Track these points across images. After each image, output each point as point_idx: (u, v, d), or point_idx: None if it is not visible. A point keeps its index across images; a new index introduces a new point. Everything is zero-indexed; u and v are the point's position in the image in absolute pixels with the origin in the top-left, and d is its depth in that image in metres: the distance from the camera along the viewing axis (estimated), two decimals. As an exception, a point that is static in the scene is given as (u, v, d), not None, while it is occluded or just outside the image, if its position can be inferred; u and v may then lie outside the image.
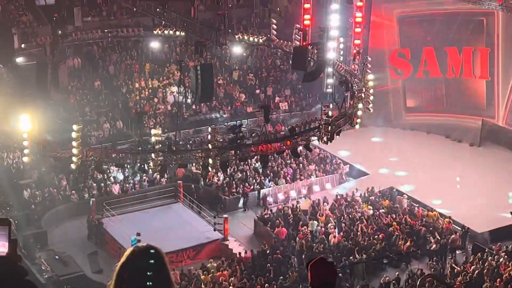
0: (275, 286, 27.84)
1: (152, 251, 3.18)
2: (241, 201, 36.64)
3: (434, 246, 31.44)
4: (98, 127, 40.59)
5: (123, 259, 3.16)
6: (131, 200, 35.60)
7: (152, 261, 3.15)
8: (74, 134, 26.12)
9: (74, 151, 26.25)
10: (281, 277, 28.57)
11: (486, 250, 30.35)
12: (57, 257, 30.91)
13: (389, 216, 34.12)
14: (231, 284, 28.06)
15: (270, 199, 37.17)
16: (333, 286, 4.89)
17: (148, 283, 3.10)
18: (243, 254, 31.13)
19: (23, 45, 35.62)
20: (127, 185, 36.57)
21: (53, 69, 32.32)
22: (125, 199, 35.56)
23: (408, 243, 31.46)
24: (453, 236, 32.18)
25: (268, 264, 29.58)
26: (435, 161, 41.27)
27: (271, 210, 35.02)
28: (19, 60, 35.26)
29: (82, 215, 34.24)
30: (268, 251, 31.03)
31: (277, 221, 33.46)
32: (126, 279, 3.11)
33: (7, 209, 33.01)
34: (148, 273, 3.11)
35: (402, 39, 46.23)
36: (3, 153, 35.94)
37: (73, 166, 27.28)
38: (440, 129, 45.56)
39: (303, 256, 30.07)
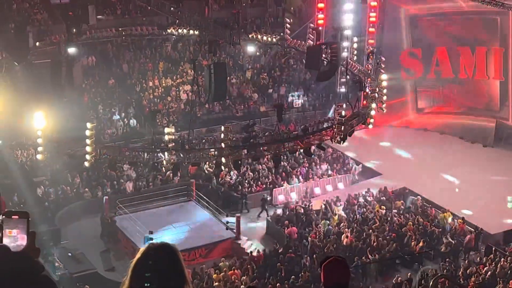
0: (287, 286, 27.83)
1: (167, 248, 3.21)
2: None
3: (445, 247, 31.33)
4: (111, 125, 40.76)
5: (138, 255, 3.19)
6: (144, 198, 35.68)
7: (167, 258, 3.17)
8: (87, 132, 26.22)
9: (88, 149, 26.35)
10: (293, 277, 28.56)
11: (498, 252, 30.22)
12: (70, 254, 31.05)
13: (401, 216, 34.04)
14: (243, 283, 28.07)
15: (282, 198, 37.18)
16: (346, 286, 4.89)
17: (163, 280, 3.12)
18: (255, 254, 31.15)
19: (37, 43, 35.77)
20: (140, 183, 36.68)
21: (67, 67, 32.41)
22: (138, 197, 35.66)
23: (420, 244, 31.37)
24: (468, 236, 32.04)
25: (279, 264, 29.58)
26: (448, 162, 41.10)
27: (282, 210, 35.02)
28: (34, 58, 35.42)
29: (95, 213, 34.37)
30: (280, 251, 31.03)
31: (286, 221, 33.46)
32: (141, 275, 3.13)
33: (20, 206, 33.17)
34: (163, 270, 3.13)
35: (414, 39, 46.08)
36: (17, 151, 36.13)
37: (86, 164, 27.39)
38: (453, 130, 45.35)
39: (315, 256, 30.05)
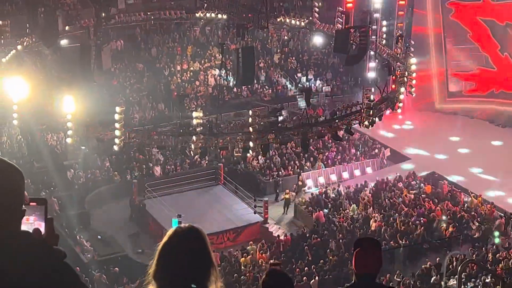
0: (314, 270, 27.87)
1: (194, 231, 3.21)
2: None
3: (476, 232, 31.13)
4: (140, 109, 40.96)
5: (165, 239, 3.20)
6: (173, 182, 35.88)
7: (194, 241, 3.18)
8: (116, 116, 26.35)
9: (117, 132, 26.50)
10: (321, 261, 28.57)
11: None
12: (99, 237, 31.38)
13: (430, 201, 33.83)
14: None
15: (310, 183, 37.16)
16: (376, 274, 4.83)
17: (190, 264, 3.14)
18: (282, 237, 31.20)
19: (67, 28, 35.93)
20: (169, 167, 36.86)
21: (97, 51, 32.59)
22: (167, 181, 35.86)
23: (450, 229, 31.18)
24: (498, 221, 31.78)
25: (306, 247, 29.60)
26: (478, 146, 40.70)
27: (311, 194, 35.00)
28: (63, 42, 35.65)
29: (124, 196, 34.64)
30: (307, 235, 31.05)
31: (310, 207, 33.46)
32: (168, 258, 3.15)
33: (51, 190, 33.56)
34: (190, 254, 3.15)
35: (445, 22, 45.57)
36: (47, 134, 36.48)
37: (115, 147, 27.56)
38: (484, 114, 44.90)
39: (341, 241, 30.01)
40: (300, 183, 35.71)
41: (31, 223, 2.94)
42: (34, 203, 2.95)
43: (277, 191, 36.05)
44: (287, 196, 34.60)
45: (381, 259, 4.83)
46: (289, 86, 45.89)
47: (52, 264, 2.80)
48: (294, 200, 34.88)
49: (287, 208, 34.65)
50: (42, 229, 2.93)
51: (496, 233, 30.88)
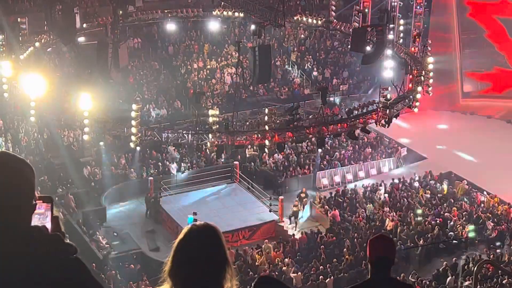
0: (329, 269, 27.82)
1: (209, 229, 3.22)
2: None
3: (492, 232, 30.97)
4: (157, 106, 41.08)
5: (181, 236, 3.20)
6: (188, 180, 35.94)
7: (210, 239, 3.19)
8: (133, 114, 26.45)
9: (133, 130, 26.60)
10: (335, 260, 28.53)
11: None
12: (115, 234, 31.51)
13: (447, 201, 33.69)
14: (286, 265, 28.16)
15: (325, 182, 37.10)
16: (391, 263, 4.87)
17: (205, 261, 3.14)
18: (297, 236, 31.17)
19: (84, 25, 36.14)
20: (184, 165, 36.93)
21: (114, 49, 32.73)
22: (182, 178, 35.94)
23: (466, 229, 31.04)
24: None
25: (323, 246, 29.56)
26: (495, 146, 40.46)
27: (330, 193, 34.88)
28: (81, 39, 35.83)
29: (140, 194, 34.77)
30: (323, 234, 31.01)
31: (325, 206, 33.33)
32: (184, 256, 3.15)
33: (67, 186, 33.75)
34: (205, 251, 3.15)
35: (462, 22, 45.37)
36: (64, 131, 36.67)
37: (132, 145, 27.67)
38: (500, 114, 44.65)
39: (356, 240, 29.94)
40: (303, 195, 34.41)
41: (42, 212, 2.95)
42: (40, 201, 2.96)
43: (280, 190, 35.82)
44: (295, 208, 33.47)
45: (394, 247, 4.95)
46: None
47: (64, 259, 2.81)
48: (302, 212, 34.27)
49: (296, 220, 33.31)
50: (49, 227, 2.94)
51: (471, 227, 30.61)
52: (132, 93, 40.79)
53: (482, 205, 33.69)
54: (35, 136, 36.27)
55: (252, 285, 3.77)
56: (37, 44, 33.07)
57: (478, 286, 23.00)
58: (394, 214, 32.48)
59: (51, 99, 28.20)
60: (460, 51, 46.04)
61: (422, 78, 31.36)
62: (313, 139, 30.57)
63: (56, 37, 33.36)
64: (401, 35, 38.69)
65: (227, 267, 3.19)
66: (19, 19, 32.73)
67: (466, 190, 35.16)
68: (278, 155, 36.62)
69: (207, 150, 29.79)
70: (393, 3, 37.99)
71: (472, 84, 46.61)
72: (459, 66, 46.32)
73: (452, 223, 31.47)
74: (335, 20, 39.70)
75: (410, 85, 31.53)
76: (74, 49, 37.33)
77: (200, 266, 3.12)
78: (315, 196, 35.06)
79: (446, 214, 32.09)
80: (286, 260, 28.75)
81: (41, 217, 2.97)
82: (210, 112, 27.61)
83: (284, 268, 28.00)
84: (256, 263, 28.63)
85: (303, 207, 33.83)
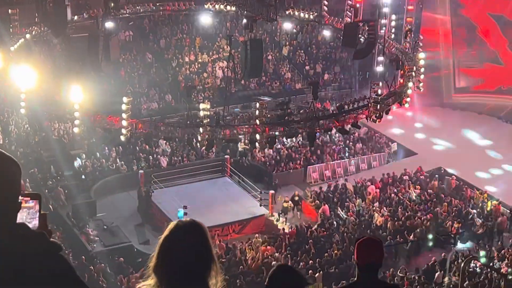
0: (317, 264, 27.87)
1: (195, 226, 3.22)
2: None
3: (480, 228, 31.11)
4: (148, 100, 41.00)
5: (166, 232, 3.22)
6: (179, 173, 35.93)
7: (195, 236, 3.19)
8: (124, 107, 26.37)
9: (124, 123, 26.52)
10: (326, 254, 28.60)
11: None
12: (105, 227, 31.47)
13: (436, 196, 33.81)
14: (276, 259, 28.20)
15: (316, 176, 37.15)
16: (379, 266, 4.87)
17: (189, 258, 3.15)
18: (287, 230, 31.22)
19: (75, 17, 35.96)
20: (175, 158, 36.91)
21: (105, 41, 32.57)
22: (173, 172, 35.93)
23: (455, 225, 31.16)
24: (500, 218, 31.77)
25: (311, 241, 29.61)
26: (485, 142, 40.63)
27: (320, 188, 34.94)
28: (72, 32, 35.64)
29: (131, 187, 34.75)
30: (313, 228, 31.06)
31: (316, 201, 33.39)
32: (169, 253, 3.16)
33: (57, 179, 33.66)
34: (190, 248, 3.16)
35: (454, 18, 45.43)
36: (55, 123, 36.56)
37: (122, 138, 27.58)
38: (492, 110, 44.78)
39: (345, 234, 30.03)
40: (296, 198, 33.98)
41: (31, 206, 2.95)
42: (28, 198, 2.95)
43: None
44: (285, 204, 33.59)
45: (383, 251, 4.91)
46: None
47: (47, 257, 2.81)
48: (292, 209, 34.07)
49: (285, 216, 33.27)
50: (36, 223, 2.94)
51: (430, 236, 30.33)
52: (123, 86, 40.67)
53: (472, 201, 33.81)
54: (25, 128, 36.15)
55: (270, 273, 3.89)
56: (28, 36, 32.88)
57: (466, 282, 23.14)
58: (384, 209, 32.58)
59: (42, 91, 28.05)
60: (452, 47, 46.09)
61: (413, 73, 31.38)
62: (304, 133, 30.55)
63: (47, 29, 33.18)
64: (393, 30, 38.68)
65: (212, 264, 3.21)
66: (10, 11, 32.51)
67: (456, 186, 35.30)
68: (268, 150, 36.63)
69: (198, 144, 29.72)
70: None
71: (464, 80, 46.70)
72: (451, 62, 46.38)
73: (441, 218, 31.63)
74: (327, 15, 39.63)
75: (401, 81, 31.53)
76: (65, 41, 37.16)
77: (185, 263, 3.14)
78: (306, 192, 35.13)
79: (437, 209, 32.21)
80: (277, 254, 28.80)
81: (31, 211, 2.97)
82: (201, 105, 27.52)
83: (273, 262, 28.01)
84: (246, 257, 28.66)
85: (297, 210, 33.84)
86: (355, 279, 4.93)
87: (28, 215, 2.94)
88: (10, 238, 2.77)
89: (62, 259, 2.86)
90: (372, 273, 4.83)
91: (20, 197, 2.88)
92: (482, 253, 25.21)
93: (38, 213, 2.97)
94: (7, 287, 2.72)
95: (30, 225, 2.91)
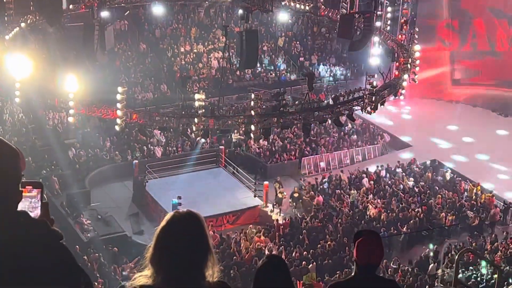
0: (310, 255, 27.91)
1: (192, 217, 3.23)
2: None
3: (474, 220, 31.21)
4: (142, 90, 40.91)
5: (163, 223, 3.22)
6: (173, 164, 35.91)
7: (192, 227, 3.20)
8: (118, 96, 26.33)
9: (119, 113, 26.48)
10: (319, 245, 28.65)
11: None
12: (99, 216, 31.45)
13: (430, 188, 33.89)
14: (269, 250, 28.24)
15: (311, 168, 37.19)
16: (378, 264, 4.85)
17: (186, 249, 3.16)
18: (281, 221, 31.27)
19: (71, 6, 35.80)
20: (170, 148, 36.88)
21: (100, 31, 32.46)
22: (167, 162, 35.89)
23: (449, 217, 31.26)
24: (493, 210, 31.87)
25: (305, 231, 29.66)
26: (479, 135, 40.71)
27: (315, 180, 34.98)
28: (67, 21, 35.51)
29: (125, 176, 34.72)
30: (306, 219, 31.11)
31: (311, 192, 33.42)
32: (166, 243, 3.17)
33: (52, 168, 33.60)
34: (187, 239, 3.17)
35: (451, 10, 45.43)
36: (49, 113, 36.48)
37: (117, 128, 27.55)
38: (487, 103, 44.84)
39: (340, 226, 30.10)
40: (296, 194, 33.95)
41: (34, 195, 2.96)
42: (30, 187, 2.96)
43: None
44: (280, 195, 33.59)
45: (383, 250, 4.87)
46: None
47: (49, 245, 2.82)
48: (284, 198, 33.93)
49: (279, 207, 33.34)
50: (38, 212, 2.95)
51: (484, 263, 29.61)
52: (118, 75, 40.56)
53: (466, 193, 33.91)
54: (20, 117, 36.05)
55: (261, 262, 3.93)
56: (23, 24, 32.75)
57: (460, 274, 23.21)
58: (378, 201, 32.64)
59: (37, 80, 27.98)
60: (449, 39, 46.11)
61: (409, 66, 31.40)
62: (298, 125, 30.56)
63: (42, 18, 33.03)
64: (389, 22, 38.68)
65: (209, 255, 3.22)
66: (4, -1, 32.35)
67: (450, 178, 35.41)
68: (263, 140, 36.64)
69: (193, 134, 29.71)
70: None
71: (462, 72, 46.74)
72: (448, 54, 46.41)
73: (435, 211, 31.72)
74: (323, 6, 39.57)
75: (397, 73, 31.55)
76: (60, 30, 37.00)
77: (182, 253, 3.15)
78: (301, 183, 35.18)
79: (431, 201, 32.29)
80: (270, 245, 28.83)
81: (33, 200, 2.98)
82: (196, 96, 27.49)
83: (267, 253, 28.05)
84: (240, 248, 28.69)
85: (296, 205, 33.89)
86: (353, 274, 4.89)
87: (30, 204, 2.95)
88: (11, 227, 2.78)
89: (63, 247, 2.87)
90: (371, 271, 4.80)
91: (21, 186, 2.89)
92: (483, 263, 24.83)
93: (40, 202, 2.98)
94: (9, 275, 2.73)
95: (33, 214, 2.92)
